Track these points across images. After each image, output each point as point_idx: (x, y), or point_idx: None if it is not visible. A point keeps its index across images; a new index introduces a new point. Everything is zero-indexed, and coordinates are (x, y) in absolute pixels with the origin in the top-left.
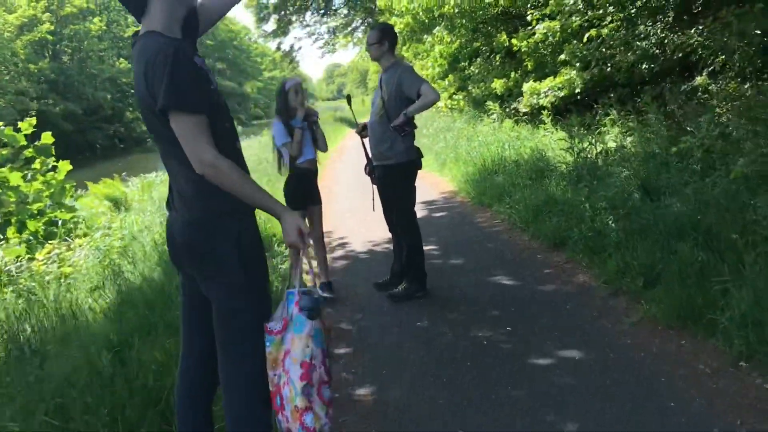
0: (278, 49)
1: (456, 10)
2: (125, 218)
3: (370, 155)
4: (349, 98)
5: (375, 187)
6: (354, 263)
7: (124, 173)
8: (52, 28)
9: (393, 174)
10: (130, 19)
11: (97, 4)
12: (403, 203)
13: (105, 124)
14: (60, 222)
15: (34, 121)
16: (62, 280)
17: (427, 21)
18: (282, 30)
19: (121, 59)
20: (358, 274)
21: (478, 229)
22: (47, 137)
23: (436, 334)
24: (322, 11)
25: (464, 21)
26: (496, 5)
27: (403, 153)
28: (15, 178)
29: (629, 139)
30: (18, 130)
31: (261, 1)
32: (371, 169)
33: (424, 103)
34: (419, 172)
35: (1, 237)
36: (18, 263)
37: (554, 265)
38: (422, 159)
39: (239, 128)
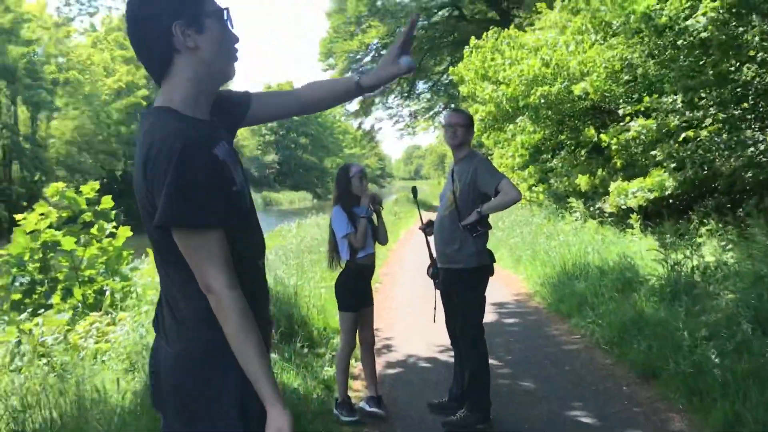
0: (359, 128)
1: (541, 101)
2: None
3: (435, 256)
4: (414, 191)
5: (438, 292)
6: (408, 373)
7: None
8: (147, 93)
9: (460, 280)
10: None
11: None
12: (469, 315)
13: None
14: (109, 291)
15: (96, 185)
16: (98, 357)
17: (510, 110)
18: (365, 110)
19: None
20: (413, 387)
21: (554, 344)
22: (107, 201)
23: None
24: (405, 95)
25: (549, 112)
26: (585, 98)
27: (473, 256)
28: (68, 242)
29: (729, 254)
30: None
31: None
32: (435, 272)
33: (503, 201)
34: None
35: (50, 303)
36: (56, 334)
37: (643, 403)
38: (494, 262)
39: (315, 201)
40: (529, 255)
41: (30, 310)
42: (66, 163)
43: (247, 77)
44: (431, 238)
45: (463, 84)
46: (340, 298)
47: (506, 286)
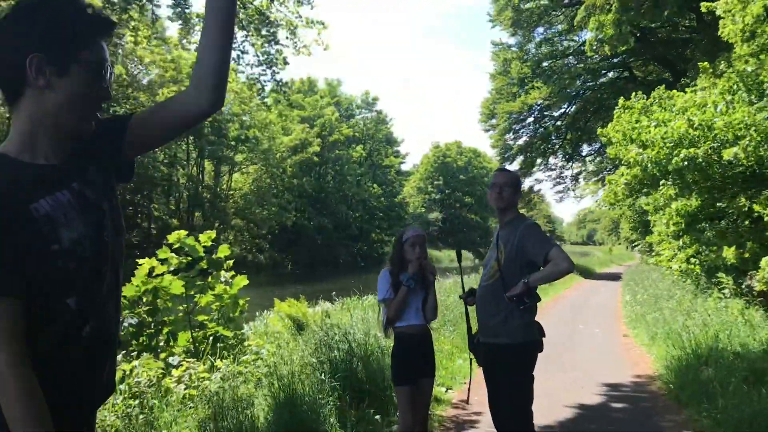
0: None
1: (686, 164)
2: (271, 344)
3: (477, 329)
4: (459, 254)
5: (480, 369)
6: None
7: (333, 292)
8: (318, 149)
9: (504, 357)
10: (390, 150)
11: (363, 134)
12: (514, 398)
13: (351, 242)
14: (211, 338)
15: (213, 234)
16: (186, 402)
17: (657, 174)
18: (524, 171)
19: (375, 185)
20: None
21: None
22: (223, 250)
23: None
24: (567, 156)
25: (697, 176)
26: (737, 164)
27: (519, 331)
28: (176, 287)
29: None
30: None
31: (507, 143)
32: (475, 346)
33: (553, 272)
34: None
35: (154, 345)
36: (150, 378)
37: None
38: (543, 336)
39: (476, 261)
40: (664, 334)
41: (136, 351)
42: (243, 214)
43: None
44: (471, 309)
45: (611, 146)
46: (392, 368)
47: (632, 366)
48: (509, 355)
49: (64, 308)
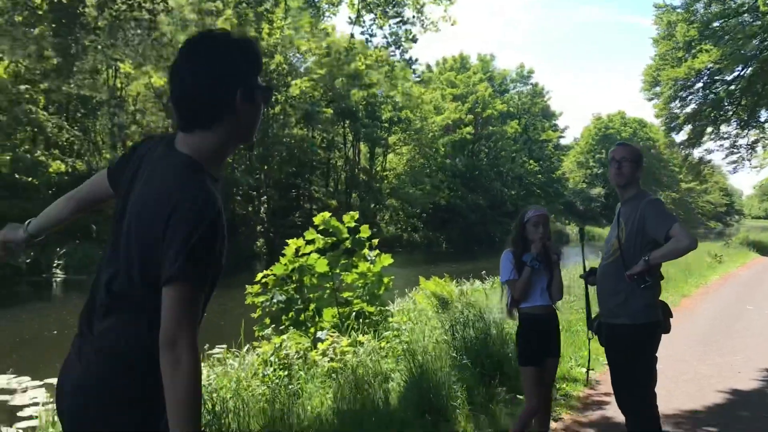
0: (686, 159)
1: None
2: (413, 321)
3: (599, 310)
4: (582, 232)
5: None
6: None
7: (484, 271)
8: (471, 130)
9: (625, 338)
10: (548, 124)
11: (519, 109)
12: (636, 380)
13: (506, 218)
14: (355, 314)
15: (356, 215)
16: (328, 374)
17: None
18: (692, 141)
19: (531, 160)
20: None
21: None
22: (365, 230)
23: None
24: (742, 123)
25: None
26: None
27: (641, 311)
28: (321, 265)
29: None
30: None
31: (673, 112)
32: (596, 327)
33: (675, 249)
34: None
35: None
36: (298, 351)
37: None
38: (669, 319)
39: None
40: None
41: (284, 326)
42: (397, 194)
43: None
44: (592, 288)
45: None
46: (518, 349)
47: None
48: (630, 336)
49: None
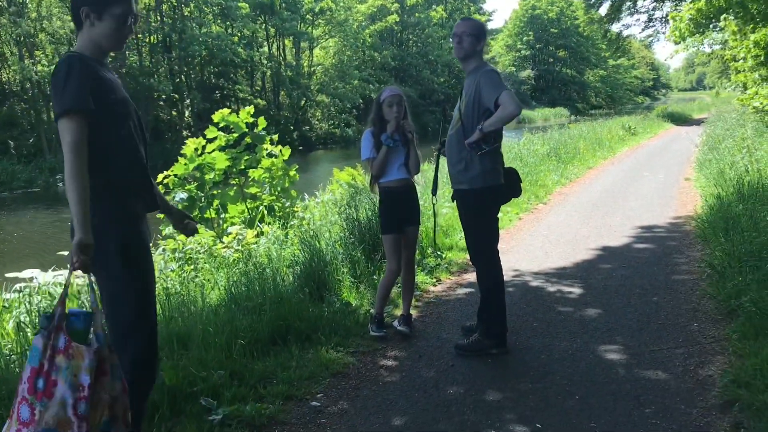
0: (605, 35)
1: None
2: (319, 206)
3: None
4: (444, 110)
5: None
6: (471, 295)
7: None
8: (397, 18)
9: (465, 201)
10: (473, 7)
11: None
12: (477, 238)
13: (437, 108)
14: (263, 209)
15: (251, 109)
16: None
17: (723, 4)
18: (610, 17)
19: None
20: (464, 310)
21: (668, 272)
22: (261, 123)
23: (470, 413)
24: None
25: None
26: None
27: (478, 177)
28: (221, 161)
29: None
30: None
31: None
32: (433, 190)
33: (500, 116)
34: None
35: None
36: (202, 245)
37: (698, 343)
38: (519, 184)
39: (573, 117)
40: (714, 173)
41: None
42: (326, 90)
43: None
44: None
45: None
46: (380, 218)
47: (679, 208)
48: (470, 199)
49: (119, 135)
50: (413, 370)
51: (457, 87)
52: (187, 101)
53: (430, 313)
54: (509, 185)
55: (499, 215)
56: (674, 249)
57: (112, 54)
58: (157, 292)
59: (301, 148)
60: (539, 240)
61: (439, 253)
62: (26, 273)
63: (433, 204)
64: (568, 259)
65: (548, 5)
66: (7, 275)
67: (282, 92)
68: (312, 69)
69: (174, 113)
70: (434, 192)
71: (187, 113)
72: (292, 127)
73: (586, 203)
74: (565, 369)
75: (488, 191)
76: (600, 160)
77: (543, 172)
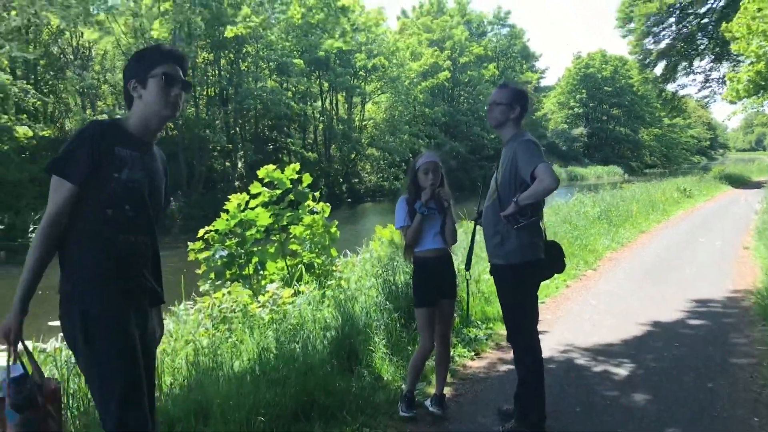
0: (660, 95)
1: None
2: (359, 265)
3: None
4: (482, 180)
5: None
6: (513, 373)
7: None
8: (449, 75)
9: (502, 277)
10: (525, 65)
11: (495, 52)
12: (515, 317)
13: (486, 162)
14: (302, 266)
15: (297, 166)
16: (268, 325)
17: None
18: (665, 77)
19: None
20: (504, 389)
21: (727, 354)
22: (306, 179)
23: None
24: (715, 56)
25: None
26: None
27: (515, 252)
28: (263, 218)
29: None
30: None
31: (647, 48)
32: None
33: (536, 190)
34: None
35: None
36: (237, 304)
37: None
38: (563, 258)
39: (626, 176)
40: None
41: (229, 281)
42: (376, 144)
43: (558, 53)
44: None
45: (735, 42)
46: (413, 288)
47: (736, 280)
48: (506, 275)
49: (113, 215)
50: None
51: None
52: (241, 152)
53: (466, 392)
54: (551, 260)
55: (546, 282)
56: (732, 327)
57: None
58: (186, 356)
59: (349, 200)
60: (587, 310)
61: (479, 323)
62: None
63: (467, 279)
64: (617, 334)
65: (602, 64)
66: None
67: (333, 145)
68: (363, 123)
69: (227, 164)
70: (468, 266)
71: (240, 164)
72: (341, 180)
73: (638, 270)
74: None
75: (526, 267)
76: (653, 224)
77: (593, 236)
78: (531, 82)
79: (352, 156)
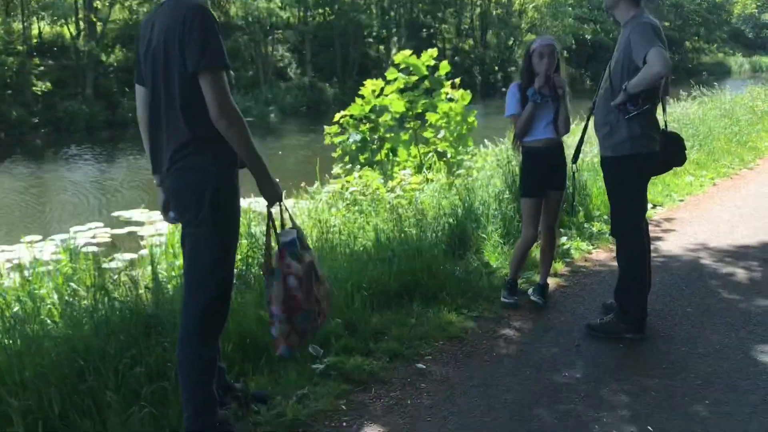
0: None
1: None
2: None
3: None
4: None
5: None
6: None
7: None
8: None
9: (609, 169)
10: None
11: None
12: (619, 210)
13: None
14: (430, 154)
15: (434, 52)
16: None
17: None
18: None
19: None
20: (614, 284)
21: None
22: (444, 67)
23: (578, 402)
24: None
25: None
26: None
27: (624, 143)
28: (397, 105)
29: None
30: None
31: None
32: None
33: (644, 76)
34: None
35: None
36: (366, 188)
37: None
38: (683, 152)
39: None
40: None
41: (360, 165)
42: (537, 29)
43: None
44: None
45: None
46: (521, 180)
47: None
48: (613, 168)
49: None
50: (533, 346)
51: (684, 30)
52: (395, 38)
53: (575, 284)
54: (668, 154)
55: (691, 179)
56: None
57: None
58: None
59: (504, 89)
60: (729, 212)
61: (604, 217)
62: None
63: (573, 172)
64: (756, 237)
65: None
66: None
67: (490, 31)
68: (523, 6)
69: (382, 49)
70: (575, 159)
71: (393, 51)
72: (496, 68)
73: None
74: (704, 367)
75: (635, 159)
76: None
77: (757, 132)
78: None
79: (510, 42)
